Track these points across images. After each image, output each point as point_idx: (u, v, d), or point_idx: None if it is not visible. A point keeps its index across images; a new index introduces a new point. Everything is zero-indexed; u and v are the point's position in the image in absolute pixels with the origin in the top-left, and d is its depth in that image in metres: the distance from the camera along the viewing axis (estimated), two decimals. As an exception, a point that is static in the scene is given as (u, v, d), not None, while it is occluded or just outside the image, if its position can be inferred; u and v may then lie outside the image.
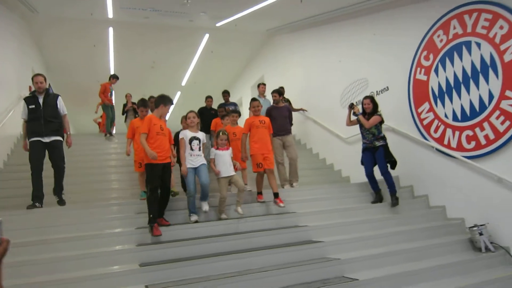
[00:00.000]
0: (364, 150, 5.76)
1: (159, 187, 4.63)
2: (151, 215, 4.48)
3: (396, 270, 4.13)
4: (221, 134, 5.14)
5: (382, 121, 5.66)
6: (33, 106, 5.09)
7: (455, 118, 5.23)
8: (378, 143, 5.57)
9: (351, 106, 5.92)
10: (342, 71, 7.79)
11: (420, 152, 5.83)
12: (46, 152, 5.16)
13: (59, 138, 5.22)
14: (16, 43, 8.40)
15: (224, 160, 5.07)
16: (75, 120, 17.93)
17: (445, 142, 5.37)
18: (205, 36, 10.50)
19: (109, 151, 8.49)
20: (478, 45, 4.87)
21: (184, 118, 5.78)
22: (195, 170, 4.91)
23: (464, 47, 5.07)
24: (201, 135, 5.06)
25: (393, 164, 5.61)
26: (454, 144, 5.25)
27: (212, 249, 4.36)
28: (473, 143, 4.98)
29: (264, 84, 8.60)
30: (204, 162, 5.04)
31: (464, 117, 5.10)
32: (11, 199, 5.56)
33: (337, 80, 7.95)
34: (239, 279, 3.75)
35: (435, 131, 5.54)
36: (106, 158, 7.99)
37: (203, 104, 8.36)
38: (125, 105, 10.09)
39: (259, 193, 5.58)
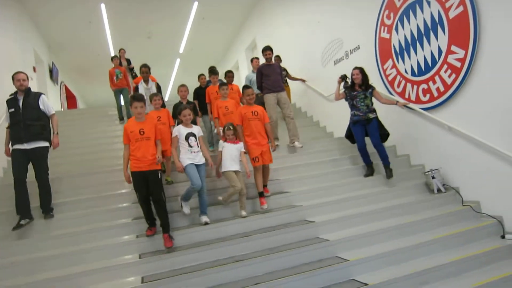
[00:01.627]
0: (355, 123, 5.61)
1: (147, 197, 4.30)
2: (147, 221, 4.39)
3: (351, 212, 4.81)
4: (226, 129, 4.98)
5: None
6: (13, 110, 4.61)
7: (413, 73, 5.63)
8: (371, 115, 5.52)
9: (344, 78, 5.77)
10: (321, 32, 8.12)
11: (387, 108, 6.25)
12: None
13: (42, 144, 4.67)
14: (17, 26, 8.88)
15: (231, 154, 4.89)
16: (88, 96, 18.69)
17: (406, 95, 5.81)
18: (194, 4, 10.79)
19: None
20: (428, 3, 5.18)
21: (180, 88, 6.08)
22: (197, 167, 4.59)
23: (417, 6, 5.37)
24: (196, 129, 4.78)
25: (385, 137, 5.63)
26: (413, 97, 5.68)
27: (224, 253, 4.19)
28: (428, 96, 5.42)
29: (258, 58, 8.19)
30: (204, 161, 4.75)
31: (420, 72, 5.50)
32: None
33: (317, 40, 8.30)
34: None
35: (398, 85, 5.96)
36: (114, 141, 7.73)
37: (203, 71, 7.81)
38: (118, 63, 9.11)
39: (261, 194, 5.09)
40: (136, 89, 6.92)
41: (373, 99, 5.68)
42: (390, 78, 6.12)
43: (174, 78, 17.51)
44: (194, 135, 4.70)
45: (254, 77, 7.54)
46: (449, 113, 5.15)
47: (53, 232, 4.61)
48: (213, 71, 6.81)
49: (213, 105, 6.32)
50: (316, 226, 4.57)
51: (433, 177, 5.24)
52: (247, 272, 3.85)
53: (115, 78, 8.78)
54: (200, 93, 7.16)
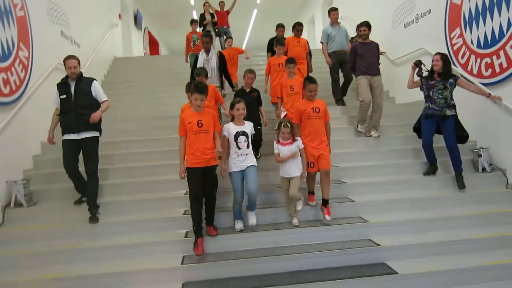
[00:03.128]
0: (428, 117, 4.87)
1: (202, 197, 3.84)
2: (194, 228, 3.83)
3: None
4: (282, 126, 4.12)
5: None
6: (64, 96, 4.28)
7: (478, 44, 5.29)
8: (449, 112, 4.72)
9: (418, 64, 5.05)
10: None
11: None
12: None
13: (94, 134, 4.38)
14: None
15: (288, 155, 4.11)
16: (170, 42, 19.71)
17: (468, 68, 5.51)
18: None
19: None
20: (505, -31, 4.75)
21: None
22: (243, 173, 3.99)
23: (493, -29, 4.95)
24: (248, 127, 4.10)
25: (463, 139, 4.89)
26: (475, 71, 5.39)
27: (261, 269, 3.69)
28: (489, 71, 5.11)
29: (336, 9, 7.38)
30: (254, 163, 4.06)
31: (486, 44, 5.15)
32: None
33: (390, 1, 7.94)
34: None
35: (462, 57, 5.65)
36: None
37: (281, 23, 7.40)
38: (202, 16, 9.45)
39: (311, 192, 4.50)
40: (195, 59, 5.94)
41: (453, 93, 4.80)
42: (455, 47, 5.80)
43: (250, 30, 17.69)
44: (246, 134, 4.02)
45: (332, 31, 7.16)
46: (509, 92, 4.85)
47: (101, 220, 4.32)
48: (280, 42, 6.17)
49: (273, 81, 5.96)
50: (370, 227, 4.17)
51: (479, 155, 5.08)
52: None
53: (192, 43, 8.69)
54: None
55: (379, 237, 4.04)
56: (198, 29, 9.10)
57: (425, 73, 4.99)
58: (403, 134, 6.02)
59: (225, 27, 9.98)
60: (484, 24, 5.16)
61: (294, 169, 4.12)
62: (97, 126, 4.41)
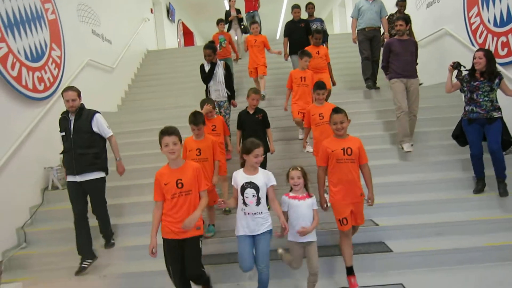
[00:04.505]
0: (472, 121, 4.28)
1: (181, 272, 2.97)
2: None
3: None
4: (291, 169, 3.19)
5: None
6: (64, 134, 3.91)
7: (495, 23, 5.16)
8: (496, 114, 4.20)
9: (457, 66, 4.46)
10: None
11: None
12: None
13: (97, 175, 3.91)
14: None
15: (302, 213, 3.11)
16: (205, 31, 19.98)
17: (485, 47, 5.37)
18: None
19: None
20: None
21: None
22: (253, 238, 3.04)
23: None
24: (262, 177, 3.04)
25: (508, 144, 4.31)
26: (492, 50, 5.24)
27: None
28: (505, 50, 4.98)
29: None
30: (268, 227, 3.05)
31: (502, 23, 5.01)
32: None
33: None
34: None
35: (480, 36, 5.52)
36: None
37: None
38: (227, 12, 9.10)
39: (350, 270, 3.37)
40: (201, 68, 5.38)
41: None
42: (473, 27, 5.66)
43: (284, 16, 17.46)
44: (257, 187, 2.99)
45: (364, 5, 6.65)
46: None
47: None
48: (306, 53, 5.37)
49: (294, 96, 5.28)
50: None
51: None
52: None
53: (218, 45, 7.37)
54: (292, 28, 6.67)
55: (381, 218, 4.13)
56: (225, 29, 8.51)
57: (464, 72, 4.43)
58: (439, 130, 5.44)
59: (251, 11, 9.48)
60: (500, 2, 5.01)
61: (310, 235, 3.11)
62: (102, 166, 3.98)
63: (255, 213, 2.98)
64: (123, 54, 8.40)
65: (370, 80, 6.73)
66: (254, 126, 4.36)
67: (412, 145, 4.98)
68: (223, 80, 5.26)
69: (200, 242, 3.02)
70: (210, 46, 5.26)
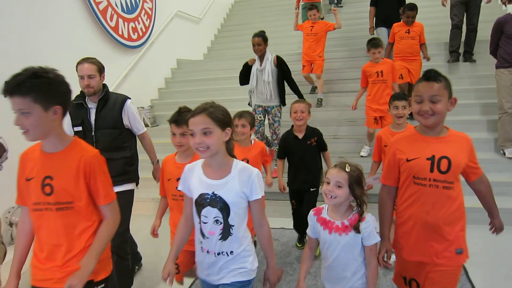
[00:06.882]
0: None
1: None
2: None
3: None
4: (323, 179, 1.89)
5: None
6: (80, 128, 2.71)
7: None
8: None
9: None
10: None
11: None
12: None
13: (125, 187, 2.77)
14: None
15: (339, 256, 1.75)
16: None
17: None
18: None
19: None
20: None
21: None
22: None
23: None
24: (235, 184, 1.61)
25: None
26: None
27: None
28: None
29: None
30: (247, 276, 1.68)
31: None
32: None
33: None
34: None
35: None
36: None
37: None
38: None
39: None
40: (245, 71, 4.41)
41: None
42: None
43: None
44: (222, 206, 1.61)
45: None
46: None
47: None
48: (377, 43, 4.15)
49: (369, 95, 4.31)
50: None
51: None
52: None
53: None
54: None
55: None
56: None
57: None
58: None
59: None
60: None
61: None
62: (134, 175, 2.91)
63: (218, 253, 1.65)
64: (210, 5, 8.89)
65: (455, 54, 5.63)
66: (302, 154, 3.13)
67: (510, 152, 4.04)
68: (272, 80, 4.20)
69: None
70: (258, 34, 4.25)
